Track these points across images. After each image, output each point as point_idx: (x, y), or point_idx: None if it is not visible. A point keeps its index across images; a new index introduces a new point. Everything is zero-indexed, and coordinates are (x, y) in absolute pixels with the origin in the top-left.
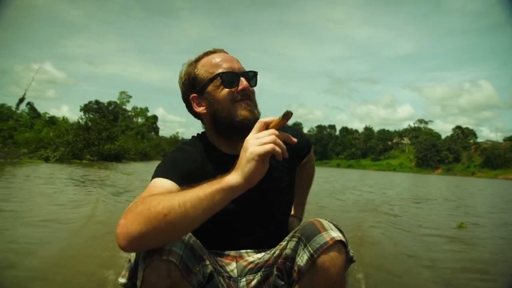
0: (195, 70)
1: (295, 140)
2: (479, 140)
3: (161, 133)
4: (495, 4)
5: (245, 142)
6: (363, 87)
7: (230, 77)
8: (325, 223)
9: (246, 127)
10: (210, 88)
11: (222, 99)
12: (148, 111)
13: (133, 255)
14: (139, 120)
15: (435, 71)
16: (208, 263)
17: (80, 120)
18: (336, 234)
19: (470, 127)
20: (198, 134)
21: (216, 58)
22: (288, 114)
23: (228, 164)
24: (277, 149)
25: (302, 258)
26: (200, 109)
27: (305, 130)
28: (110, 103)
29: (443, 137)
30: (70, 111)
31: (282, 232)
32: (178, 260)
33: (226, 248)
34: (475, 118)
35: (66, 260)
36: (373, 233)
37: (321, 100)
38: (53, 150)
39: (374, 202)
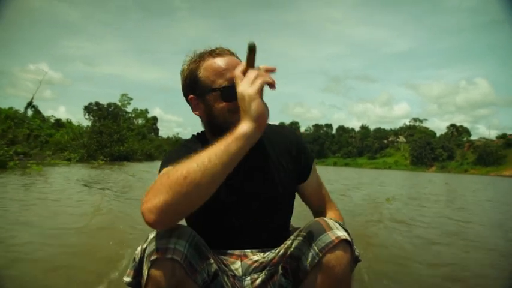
0: (198, 72)
1: (274, 67)
2: (476, 137)
3: (160, 133)
4: (492, 1)
5: (239, 94)
6: (360, 86)
7: (230, 93)
8: (331, 222)
9: None
10: (209, 97)
11: (220, 110)
12: (148, 112)
13: (138, 253)
14: (140, 121)
15: (432, 68)
16: (212, 261)
17: (88, 123)
18: (341, 233)
19: (468, 125)
20: (198, 132)
21: (220, 64)
22: (251, 47)
23: None
24: (268, 78)
25: (307, 257)
26: (197, 112)
27: (302, 129)
28: (109, 104)
29: (440, 134)
30: (67, 112)
31: (287, 231)
32: (183, 258)
33: (231, 247)
34: (471, 116)
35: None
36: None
37: (318, 99)
38: (73, 152)
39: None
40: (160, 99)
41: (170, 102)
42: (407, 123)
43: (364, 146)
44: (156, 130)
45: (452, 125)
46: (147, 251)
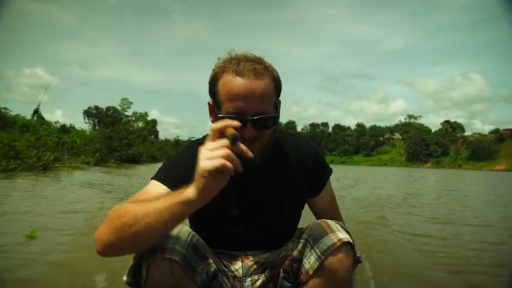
0: (218, 82)
1: (251, 154)
2: (471, 133)
3: (158, 135)
4: None
5: (198, 159)
6: (357, 84)
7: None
8: (332, 224)
9: None
10: (219, 113)
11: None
12: (147, 115)
13: (137, 253)
14: (140, 124)
15: (427, 65)
16: (211, 262)
17: (88, 126)
18: (343, 236)
19: (464, 120)
20: (203, 136)
21: (235, 87)
22: (234, 137)
23: None
24: (228, 164)
25: (309, 260)
26: (211, 118)
27: (298, 128)
28: (108, 108)
29: (434, 131)
30: (64, 116)
31: (289, 233)
32: (181, 258)
33: (232, 248)
34: (467, 111)
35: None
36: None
37: (315, 98)
38: (88, 156)
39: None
40: (157, 101)
41: (167, 104)
42: (403, 120)
43: (360, 144)
44: (156, 133)
45: (447, 121)
46: (145, 251)
